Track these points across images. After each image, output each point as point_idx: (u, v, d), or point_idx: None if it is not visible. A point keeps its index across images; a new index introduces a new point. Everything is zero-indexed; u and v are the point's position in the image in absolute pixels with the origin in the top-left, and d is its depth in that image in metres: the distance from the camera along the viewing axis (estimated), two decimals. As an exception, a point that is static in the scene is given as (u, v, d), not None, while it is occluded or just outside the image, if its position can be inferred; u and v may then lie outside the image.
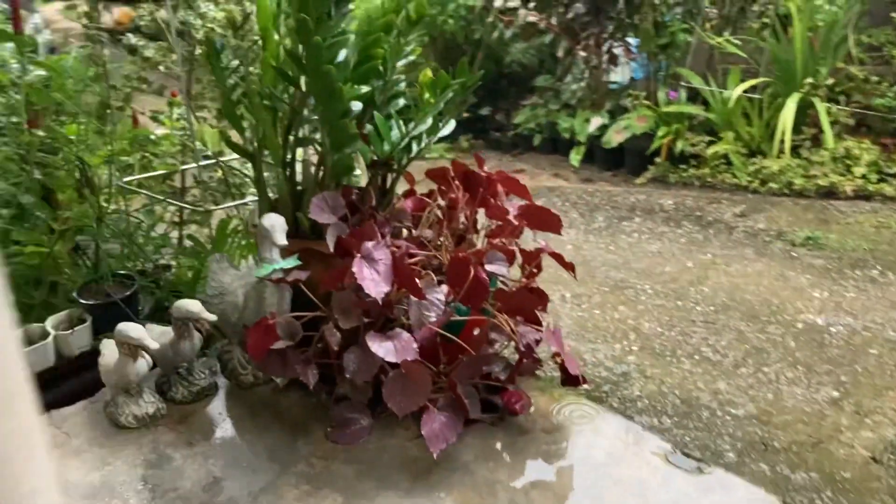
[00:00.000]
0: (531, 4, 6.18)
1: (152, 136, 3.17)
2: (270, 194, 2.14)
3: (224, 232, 2.33)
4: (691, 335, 3.05)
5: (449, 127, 2.15)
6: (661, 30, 5.45)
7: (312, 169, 2.11)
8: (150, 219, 2.52)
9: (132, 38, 3.23)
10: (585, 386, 2.16)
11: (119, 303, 2.27)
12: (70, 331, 2.23)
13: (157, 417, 1.97)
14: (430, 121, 2.04)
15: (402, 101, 2.22)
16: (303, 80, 1.96)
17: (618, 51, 5.91)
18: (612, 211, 4.70)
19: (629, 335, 3.07)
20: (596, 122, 5.69)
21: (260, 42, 2.07)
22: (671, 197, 4.87)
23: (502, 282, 2.04)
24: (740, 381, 2.62)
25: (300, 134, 2.06)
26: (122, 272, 2.42)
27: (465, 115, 7.07)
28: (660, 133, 5.17)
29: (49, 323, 2.27)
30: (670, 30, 5.44)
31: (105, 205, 2.61)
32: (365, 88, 1.97)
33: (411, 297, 1.81)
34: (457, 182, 2.17)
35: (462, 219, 2.17)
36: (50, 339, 2.22)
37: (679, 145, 5.07)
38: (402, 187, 2.32)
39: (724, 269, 3.71)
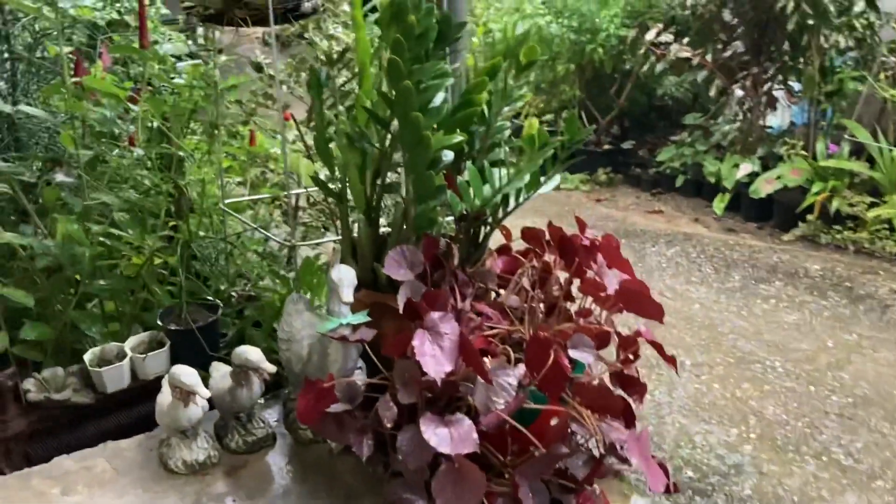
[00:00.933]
0: (685, 39, 5.79)
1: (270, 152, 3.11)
2: (355, 236, 1.99)
3: (309, 269, 2.20)
4: (821, 430, 2.66)
5: (553, 182, 1.92)
6: (828, 76, 4.95)
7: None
8: (244, 247, 2.43)
9: (259, 55, 3.19)
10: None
11: (196, 331, 2.18)
12: (144, 355, 2.16)
13: (207, 465, 1.85)
14: (528, 177, 1.82)
15: (503, 151, 2.01)
16: (394, 123, 1.79)
17: (778, 94, 5.44)
18: (751, 270, 4.27)
19: (749, 419, 2.71)
20: (745, 168, 5.25)
21: (357, 78, 1.92)
22: (819, 261, 4.38)
23: (590, 366, 1.78)
24: (875, 497, 2.24)
25: (388, 179, 1.89)
26: (208, 298, 2.34)
27: (606, 146, 6.75)
28: (814, 188, 4.68)
29: (128, 344, 2.22)
30: (839, 76, 4.93)
31: (202, 226, 2.56)
32: (459, 137, 1.77)
33: (479, 378, 1.60)
34: (552, 244, 1.93)
35: (555, 287, 1.93)
36: (126, 360, 2.16)
37: (835, 204, 4.56)
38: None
39: (870, 354, 3.24)
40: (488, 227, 2.00)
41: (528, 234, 1.97)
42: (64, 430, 2.13)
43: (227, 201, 2.54)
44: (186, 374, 1.76)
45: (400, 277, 1.76)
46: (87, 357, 2.16)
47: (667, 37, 5.83)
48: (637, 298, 1.82)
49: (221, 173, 2.52)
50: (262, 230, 2.29)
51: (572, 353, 1.64)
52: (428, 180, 1.76)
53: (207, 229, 2.56)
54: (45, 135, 2.60)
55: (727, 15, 5.48)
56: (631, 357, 1.81)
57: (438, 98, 1.78)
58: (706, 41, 5.64)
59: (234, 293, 2.40)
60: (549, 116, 7.36)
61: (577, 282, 1.90)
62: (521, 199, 1.93)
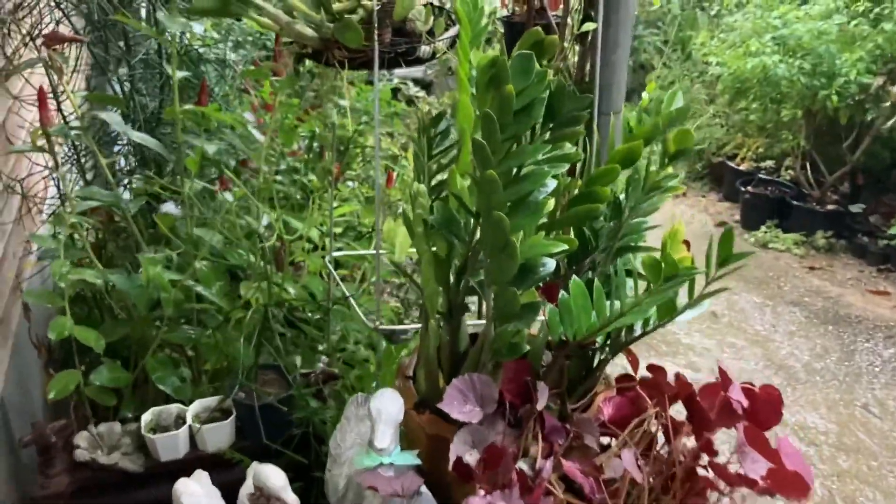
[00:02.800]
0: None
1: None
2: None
3: (390, 363, 1.82)
4: None
5: (698, 310, 1.40)
6: None
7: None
8: (338, 318, 2.10)
9: (412, 87, 2.86)
10: None
11: (257, 411, 1.88)
12: (203, 426, 1.89)
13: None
14: (652, 310, 1.32)
15: (636, 259, 1.51)
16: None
17: None
18: None
19: None
20: None
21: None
22: None
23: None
24: None
25: (471, 283, 1.46)
26: (286, 368, 2.04)
27: (830, 206, 5.81)
28: None
29: (193, 408, 1.96)
30: None
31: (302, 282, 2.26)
32: (561, 246, 1.31)
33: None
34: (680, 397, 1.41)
35: (679, 454, 1.41)
36: (184, 429, 1.91)
37: None
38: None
39: None
40: (604, 354, 1.52)
41: (647, 384, 1.45)
42: (109, 493, 1.91)
43: (335, 254, 2.23)
44: (274, 476, 1.44)
45: (461, 417, 1.33)
46: (144, 418, 1.93)
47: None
48: (786, 484, 1.27)
49: (332, 220, 2.21)
50: (353, 300, 1.94)
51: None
52: (511, 298, 1.31)
53: (306, 286, 2.26)
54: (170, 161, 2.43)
55: None
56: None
57: (547, 187, 1.32)
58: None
59: (320, 364, 2.08)
60: (768, 163, 6.52)
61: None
62: (650, 328, 1.43)
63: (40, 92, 1.93)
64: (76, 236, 2.08)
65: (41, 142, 1.96)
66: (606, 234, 1.51)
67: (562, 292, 1.38)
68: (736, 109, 6.53)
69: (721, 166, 6.85)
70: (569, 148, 1.39)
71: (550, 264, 1.35)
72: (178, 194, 2.19)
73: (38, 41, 2.32)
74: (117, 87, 2.57)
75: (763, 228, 5.81)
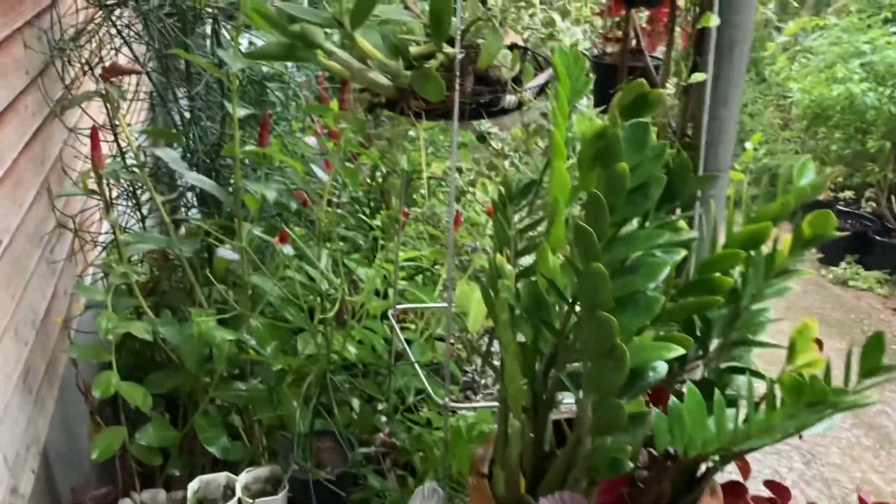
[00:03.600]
0: None
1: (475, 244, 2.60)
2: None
3: (461, 443, 1.63)
4: None
5: (828, 424, 1.17)
6: None
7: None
8: (399, 374, 1.92)
9: (484, 123, 2.67)
10: None
11: (311, 486, 1.71)
12: (253, 500, 1.73)
13: None
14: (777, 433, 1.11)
15: (750, 357, 1.29)
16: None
17: None
18: None
19: None
20: None
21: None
22: None
23: None
24: None
25: (561, 377, 1.26)
26: (348, 435, 1.87)
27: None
28: None
29: (242, 478, 1.80)
30: None
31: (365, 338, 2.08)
32: (677, 350, 1.10)
33: None
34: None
35: None
36: (233, 502, 1.75)
37: None
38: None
39: None
40: (712, 463, 1.30)
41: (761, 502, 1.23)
42: (151, 567, 1.77)
43: (399, 307, 2.05)
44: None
45: (547, 544, 1.13)
46: (191, 487, 1.78)
47: None
48: None
49: (397, 272, 2.03)
50: (420, 369, 1.76)
51: None
52: (615, 409, 1.11)
53: (367, 339, 2.08)
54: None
55: None
56: None
57: (660, 280, 1.12)
58: None
59: (381, 434, 1.90)
60: (848, 193, 6.16)
61: None
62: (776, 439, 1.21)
63: (93, 133, 1.79)
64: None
65: (92, 183, 1.83)
66: (721, 323, 1.30)
67: (672, 398, 1.17)
68: (814, 136, 6.19)
69: (796, 195, 6.50)
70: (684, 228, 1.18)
71: (661, 368, 1.14)
72: (234, 237, 2.04)
73: (98, 70, 2.20)
74: (178, 118, 2.44)
75: (843, 264, 5.46)
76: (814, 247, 1.20)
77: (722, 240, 1.26)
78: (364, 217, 2.43)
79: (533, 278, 1.30)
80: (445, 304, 2.10)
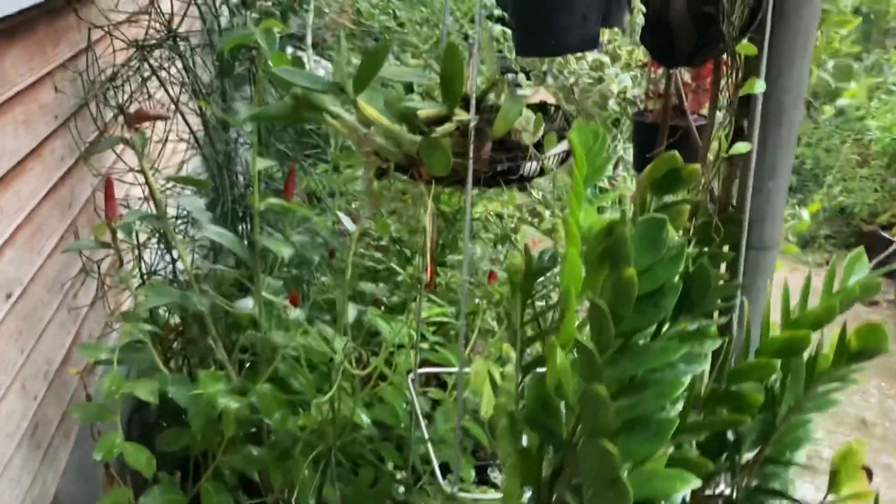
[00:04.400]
0: None
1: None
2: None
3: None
4: None
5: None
6: None
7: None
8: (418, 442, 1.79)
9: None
10: None
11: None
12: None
13: None
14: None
15: (788, 476, 1.12)
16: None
17: None
18: None
19: None
20: None
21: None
22: None
23: None
24: None
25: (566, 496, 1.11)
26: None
27: None
28: None
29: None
30: None
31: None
32: (693, 482, 0.94)
33: None
34: None
35: None
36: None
37: None
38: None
39: None
40: None
41: None
42: None
43: (420, 371, 1.92)
44: None
45: None
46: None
47: None
48: None
49: (419, 332, 1.91)
50: (433, 442, 1.63)
51: None
52: (618, 547, 0.96)
53: (392, 401, 1.97)
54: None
55: None
56: None
57: (672, 396, 0.97)
58: None
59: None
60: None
61: None
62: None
63: (107, 184, 1.73)
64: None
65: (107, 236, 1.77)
66: (753, 435, 1.13)
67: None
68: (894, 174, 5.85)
69: (873, 236, 6.13)
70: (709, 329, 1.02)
71: (675, 499, 0.99)
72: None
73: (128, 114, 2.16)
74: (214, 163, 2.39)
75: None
76: (862, 361, 1.03)
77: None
78: (396, 267, 2.32)
79: (541, 371, 1.16)
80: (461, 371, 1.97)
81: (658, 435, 0.94)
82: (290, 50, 5.22)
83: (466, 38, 3.51)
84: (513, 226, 2.65)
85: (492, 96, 1.43)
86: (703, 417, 1.06)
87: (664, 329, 0.97)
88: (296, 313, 1.72)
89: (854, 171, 6.49)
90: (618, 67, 2.39)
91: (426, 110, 1.30)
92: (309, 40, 1.87)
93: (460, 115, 1.32)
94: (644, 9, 1.25)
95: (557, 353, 1.09)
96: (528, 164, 1.38)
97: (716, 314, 1.33)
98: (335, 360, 1.67)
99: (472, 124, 1.27)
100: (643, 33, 1.30)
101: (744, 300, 1.16)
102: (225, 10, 2.46)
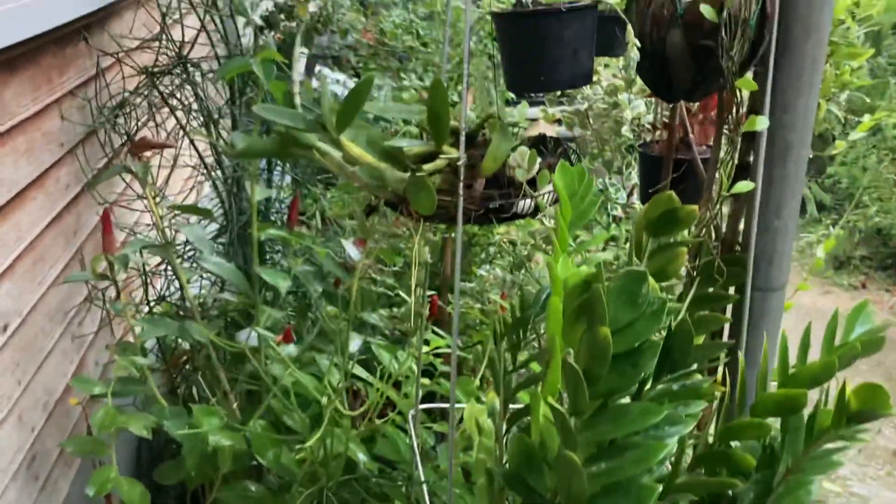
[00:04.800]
0: None
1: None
2: None
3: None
4: None
5: None
6: None
7: None
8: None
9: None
10: None
11: None
12: None
13: None
14: None
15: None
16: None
17: None
18: None
19: None
20: None
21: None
22: None
23: None
24: None
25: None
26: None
27: None
28: None
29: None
30: None
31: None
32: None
33: None
34: None
35: None
36: None
37: None
38: None
39: None
40: None
41: None
42: None
43: (421, 407, 1.87)
44: None
45: None
46: None
47: None
48: None
49: (419, 365, 1.86)
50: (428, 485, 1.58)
51: None
52: None
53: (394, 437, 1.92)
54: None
55: None
56: None
57: (653, 461, 0.90)
58: None
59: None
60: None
61: None
62: None
63: (104, 216, 1.72)
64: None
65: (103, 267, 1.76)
66: (750, 495, 1.06)
67: None
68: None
69: (912, 256, 5.97)
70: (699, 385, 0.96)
71: (657, 569, 0.92)
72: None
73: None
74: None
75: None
76: (863, 422, 0.96)
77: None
78: (403, 295, 2.27)
79: (526, 420, 1.11)
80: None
81: (639, 502, 0.88)
82: (318, 67, 5.23)
83: (491, 57, 3.47)
84: (526, 253, 2.60)
85: (486, 131, 1.39)
86: (696, 477, 0.99)
87: (646, 388, 0.91)
88: (288, 349, 1.68)
89: (891, 191, 6.33)
90: (632, 93, 2.33)
91: (413, 147, 1.25)
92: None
93: (449, 151, 1.28)
94: (639, 42, 1.19)
95: (541, 406, 1.04)
96: (522, 202, 1.33)
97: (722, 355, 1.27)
98: (328, 398, 1.62)
99: (461, 162, 1.23)
100: (640, 67, 1.24)
101: (739, 353, 1.09)
102: (249, 31, 2.45)
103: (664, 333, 0.92)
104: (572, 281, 0.89)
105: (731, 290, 1.37)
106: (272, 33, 2.68)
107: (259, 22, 3.27)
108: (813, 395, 1.05)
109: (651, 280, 0.87)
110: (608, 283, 1.07)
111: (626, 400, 0.91)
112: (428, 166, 1.26)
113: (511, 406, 1.22)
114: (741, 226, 1.40)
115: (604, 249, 2.19)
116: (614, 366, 0.85)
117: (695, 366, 0.89)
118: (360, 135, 1.23)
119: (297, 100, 1.30)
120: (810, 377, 0.96)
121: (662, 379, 0.91)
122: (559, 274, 0.92)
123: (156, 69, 2.26)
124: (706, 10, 1.15)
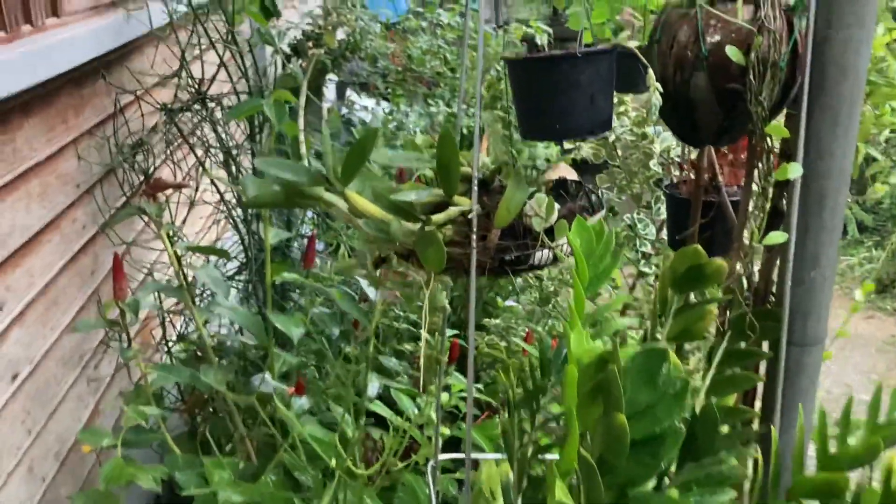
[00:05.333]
0: None
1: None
2: None
3: None
4: None
5: None
6: None
7: None
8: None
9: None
10: None
11: None
12: None
13: None
14: None
15: None
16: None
17: None
18: None
19: None
20: None
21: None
22: None
23: None
24: None
25: None
26: None
27: None
28: None
29: None
30: None
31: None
32: None
33: None
34: None
35: None
36: None
37: None
38: None
39: None
40: None
41: None
42: None
43: (441, 457, 1.79)
44: None
45: None
46: None
47: None
48: None
49: (439, 414, 1.78)
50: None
51: None
52: None
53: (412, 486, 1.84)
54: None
55: None
56: None
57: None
58: None
59: None
60: None
61: None
62: None
63: (115, 261, 1.67)
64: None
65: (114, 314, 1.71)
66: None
67: None
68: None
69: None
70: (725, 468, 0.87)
71: None
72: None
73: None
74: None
75: None
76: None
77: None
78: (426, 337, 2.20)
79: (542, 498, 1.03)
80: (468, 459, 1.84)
81: None
82: (348, 92, 5.21)
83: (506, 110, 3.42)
84: (552, 288, 2.51)
85: (500, 178, 1.32)
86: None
87: (670, 473, 0.83)
88: (300, 402, 1.62)
89: (934, 211, 6.10)
90: (661, 126, 2.25)
91: (423, 198, 1.19)
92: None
93: (460, 202, 1.21)
94: (661, 86, 1.12)
95: (557, 484, 0.96)
96: (539, 253, 1.25)
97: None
98: (339, 457, 1.55)
99: (473, 214, 1.16)
100: (663, 110, 1.16)
101: (773, 429, 1.00)
102: (278, 60, 2.42)
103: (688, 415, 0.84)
104: (587, 359, 0.81)
105: (765, 346, 1.28)
106: (299, 61, 2.65)
107: (287, 50, 3.25)
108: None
109: (673, 357, 0.79)
110: (630, 347, 0.99)
111: (649, 487, 0.83)
112: (438, 217, 1.19)
113: (528, 471, 1.14)
114: (774, 275, 1.31)
115: (631, 290, 2.10)
116: (633, 454, 0.77)
117: (722, 453, 0.80)
118: (367, 186, 1.17)
119: (303, 149, 1.25)
120: (851, 459, 0.87)
121: (687, 466, 0.83)
122: (574, 350, 0.85)
123: (175, 106, 2.23)
124: (732, 52, 1.07)
